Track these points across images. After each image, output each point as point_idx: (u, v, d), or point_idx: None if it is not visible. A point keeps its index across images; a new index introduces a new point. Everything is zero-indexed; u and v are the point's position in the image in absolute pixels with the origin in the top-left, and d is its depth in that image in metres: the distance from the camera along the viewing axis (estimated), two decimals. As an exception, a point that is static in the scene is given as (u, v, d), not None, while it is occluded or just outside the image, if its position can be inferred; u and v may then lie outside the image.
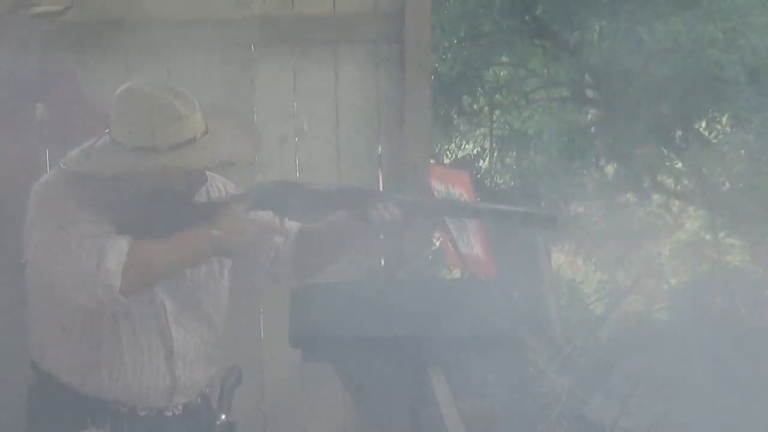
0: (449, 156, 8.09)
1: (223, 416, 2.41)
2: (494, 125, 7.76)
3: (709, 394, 5.69)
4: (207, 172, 2.44)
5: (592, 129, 7.24)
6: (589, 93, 7.26)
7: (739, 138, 6.79)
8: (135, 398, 2.32)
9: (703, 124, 7.12)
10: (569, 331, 7.25)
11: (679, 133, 6.91)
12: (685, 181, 7.70)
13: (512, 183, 7.90)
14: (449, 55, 6.95)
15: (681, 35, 5.68)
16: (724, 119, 6.96)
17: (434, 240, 6.22)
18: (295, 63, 4.19)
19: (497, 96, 7.62)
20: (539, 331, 6.68)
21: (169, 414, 2.37)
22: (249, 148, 2.47)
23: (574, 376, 6.34)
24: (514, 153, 7.87)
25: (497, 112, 7.79)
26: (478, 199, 4.64)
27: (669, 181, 7.83)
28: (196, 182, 2.35)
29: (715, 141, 7.05)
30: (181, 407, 2.39)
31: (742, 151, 6.86)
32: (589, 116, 7.67)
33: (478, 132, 8.04)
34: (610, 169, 7.65)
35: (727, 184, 7.11)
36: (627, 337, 7.20)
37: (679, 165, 7.40)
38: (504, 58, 7.24)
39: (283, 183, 2.47)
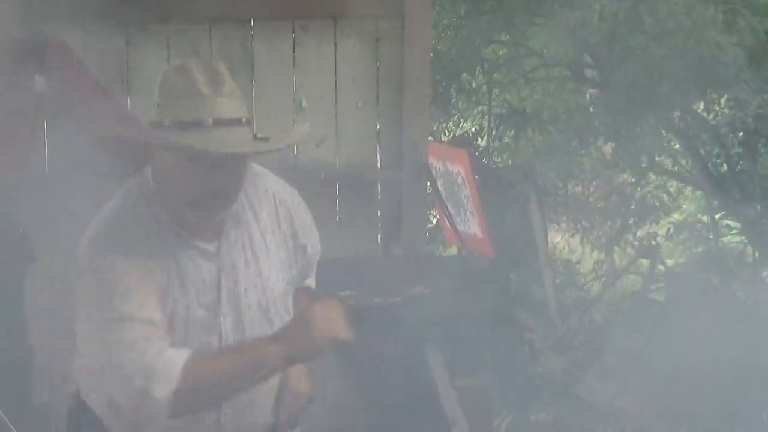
0: (447, 134, 8.13)
1: None
2: (493, 103, 7.80)
3: (704, 375, 5.60)
4: (260, 173, 2.21)
5: (591, 108, 7.30)
6: (589, 72, 7.27)
7: (737, 119, 6.84)
8: None
9: (702, 105, 7.15)
10: (565, 310, 7.19)
11: (677, 113, 6.93)
12: (683, 162, 7.77)
13: (510, 162, 7.98)
14: (449, 33, 6.95)
15: (681, 16, 5.67)
16: (723, 101, 6.98)
17: (431, 217, 6.20)
18: (296, 38, 4.17)
19: (496, 74, 7.64)
20: (535, 310, 6.85)
21: None
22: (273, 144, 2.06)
23: (570, 356, 6.37)
24: (512, 132, 7.85)
25: (496, 91, 7.82)
26: (476, 177, 4.65)
27: (667, 162, 7.89)
28: (220, 176, 1.98)
29: (713, 122, 7.09)
30: None
31: (741, 133, 6.92)
32: (588, 96, 7.70)
33: (476, 110, 8.11)
34: (608, 148, 7.66)
35: (725, 166, 7.16)
36: (623, 317, 7.16)
37: (677, 146, 7.45)
38: (504, 37, 7.25)
39: None
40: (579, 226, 8.53)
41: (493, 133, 7.96)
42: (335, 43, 4.18)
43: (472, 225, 4.43)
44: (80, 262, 1.99)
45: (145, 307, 1.91)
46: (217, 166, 1.93)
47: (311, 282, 2.47)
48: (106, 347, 1.88)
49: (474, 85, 7.67)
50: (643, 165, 7.68)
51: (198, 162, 1.91)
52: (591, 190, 8.33)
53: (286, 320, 2.15)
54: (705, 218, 8.25)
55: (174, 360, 1.86)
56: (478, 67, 7.22)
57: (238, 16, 4.06)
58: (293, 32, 4.20)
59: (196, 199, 1.98)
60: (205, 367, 1.90)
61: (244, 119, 1.97)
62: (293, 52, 4.29)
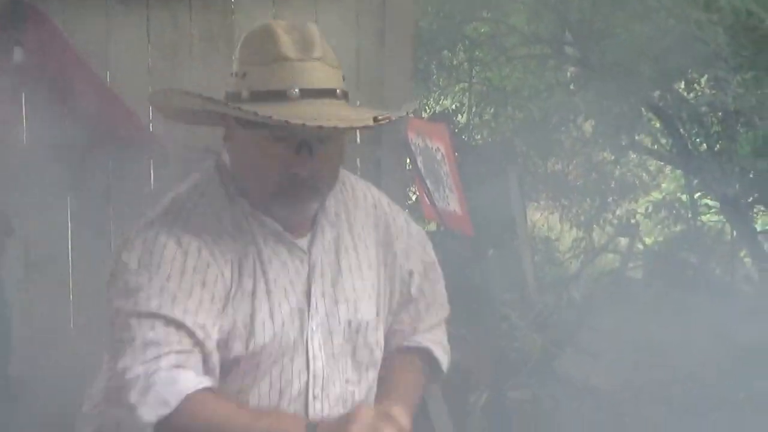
0: (428, 110, 8.16)
1: None
2: (474, 81, 7.86)
3: (681, 353, 5.75)
4: (356, 178, 1.94)
5: (571, 86, 7.31)
6: (569, 50, 7.31)
7: (717, 99, 6.75)
8: None
9: (682, 84, 7.17)
10: (543, 288, 7.38)
11: (657, 92, 6.94)
12: (663, 141, 7.81)
13: (490, 139, 7.99)
14: (431, 10, 6.96)
15: (662, -6, 5.66)
16: (703, 80, 6.99)
17: (410, 194, 6.26)
18: (276, 12, 4.12)
19: (477, 52, 7.69)
20: (513, 287, 6.88)
21: None
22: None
23: (547, 333, 6.49)
24: (493, 109, 7.95)
25: (477, 68, 7.89)
26: (456, 154, 4.68)
27: (646, 141, 7.94)
28: (307, 159, 1.66)
29: (693, 102, 7.11)
30: None
31: (720, 113, 6.90)
32: (569, 74, 7.73)
33: (457, 87, 8.12)
34: (588, 126, 7.71)
35: (704, 145, 7.18)
36: (601, 295, 7.29)
37: (657, 125, 7.48)
38: (485, 14, 7.27)
39: None
40: (558, 204, 8.56)
41: (474, 110, 8.02)
42: (316, 18, 4.09)
43: (451, 202, 4.42)
44: (129, 241, 1.69)
45: (183, 306, 1.62)
46: (305, 146, 1.62)
47: (429, 341, 1.97)
48: (117, 343, 1.61)
49: (455, 62, 7.68)
50: (623, 143, 7.68)
51: (280, 141, 1.63)
52: (570, 168, 8.31)
53: (369, 358, 1.85)
54: (684, 197, 8.23)
55: (181, 384, 1.57)
56: (460, 44, 7.25)
57: (219, -10, 4.11)
58: (273, 5, 4.17)
59: (281, 186, 1.68)
60: (209, 409, 1.59)
61: (338, 91, 1.66)
62: (274, 25, 4.27)
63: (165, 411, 1.52)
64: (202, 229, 1.66)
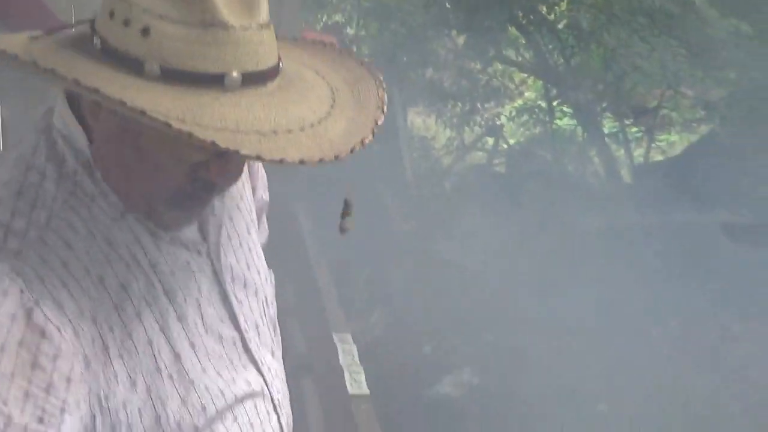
0: (320, 23, 8.40)
1: None
2: (362, -1, 8.20)
3: (539, 236, 6.42)
4: None
5: (447, 4, 7.63)
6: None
7: (573, 18, 7.19)
8: None
9: (545, 9, 7.55)
10: (420, 180, 7.94)
11: (521, 12, 7.40)
12: (526, 54, 8.28)
13: (375, 50, 8.34)
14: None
15: None
16: (564, 3, 7.36)
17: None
18: None
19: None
20: (394, 179, 7.41)
21: None
22: (341, 130, 1.08)
23: (422, 219, 7.05)
24: (378, 23, 8.27)
25: (364, -15, 8.18)
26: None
27: (512, 53, 8.36)
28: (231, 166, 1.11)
29: (552, 19, 7.53)
30: None
31: (576, 31, 7.29)
32: (445, -8, 8.08)
33: (347, 4, 8.47)
34: (461, 40, 8.03)
35: (561, 59, 7.71)
36: (469, 187, 7.96)
37: (522, 40, 7.92)
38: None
39: None
40: (434, 108, 8.93)
41: (361, 23, 8.34)
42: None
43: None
44: None
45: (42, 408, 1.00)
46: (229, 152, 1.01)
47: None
48: None
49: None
50: (491, 55, 8.06)
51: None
52: (445, 76, 8.65)
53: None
54: (543, 104, 8.70)
55: None
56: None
57: None
58: None
59: (185, 192, 1.13)
60: None
61: (280, 64, 1.06)
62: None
63: None
64: (49, 257, 1.04)
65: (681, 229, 6.59)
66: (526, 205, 7.13)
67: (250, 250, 1.31)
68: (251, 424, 1.21)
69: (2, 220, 1.05)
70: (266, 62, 1.01)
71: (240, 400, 1.19)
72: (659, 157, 8.66)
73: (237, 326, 1.22)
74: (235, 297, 1.24)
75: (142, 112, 0.92)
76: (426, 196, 7.65)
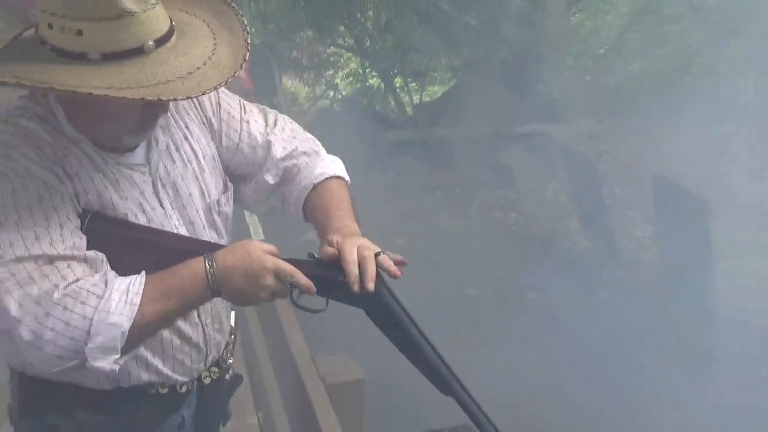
0: None
1: (230, 361, 1.68)
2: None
3: (356, 180, 7.24)
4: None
5: (302, 12, 8.91)
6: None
7: (377, 18, 8.98)
8: (174, 375, 1.52)
9: (360, 15, 9.06)
10: (291, 117, 9.34)
11: (347, 17, 8.85)
12: (350, 42, 9.29)
13: (263, 39, 9.53)
14: None
15: None
16: (371, 12, 9.04)
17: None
18: None
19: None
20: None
21: (207, 381, 1.61)
22: (226, 62, 1.29)
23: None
24: (260, 24, 9.21)
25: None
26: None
27: (341, 41, 9.41)
28: (152, 108, 1.33)
29: (364, 20, 9.03)
30: (216, 370, 1.62)
31: (378, 26, 9.01)
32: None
33: (241, 9, 9.48)
34: (311, 33, 9.14)
35: (369, 44, 9.25)
36: (320, 121, 9.33)
37: (347, 33, 9.38)
38: None
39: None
40: (297, 75, 10.40)
41: (251, 23, 9.05)
42: None
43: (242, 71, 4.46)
44: None
45: (49, 239, 1.26)
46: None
47: (327, 168, 1.61)
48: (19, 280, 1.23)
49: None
50: (329, 42, 9.39)
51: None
52: (303, 55, 10.11)
53: (225, 225, 1.57)
54: (360, 71, 10.53)
55: (114, 315, 1.25)
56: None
57: None
58: None
59: (137, 125, 1.36)
60: (145, 307, 1.28)
61: (172, 23, 1.27)
62: None
63: (120, 343, 1.24)
64: (28, 160, 1.28)
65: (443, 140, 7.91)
66: (354, 131, 8.41)
67: (197, 157, 1.48)
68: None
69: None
70: (164, 27, 1.22)
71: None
72: (428, 99, 10.08)
73: (170, 223, 1.42)
74: (171, 201, 1.44)
75: (91, 93, 1.14)
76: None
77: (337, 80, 10.26)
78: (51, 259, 1.24)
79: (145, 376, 1.47)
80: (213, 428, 1.70)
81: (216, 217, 1.53)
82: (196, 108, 1.52)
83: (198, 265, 1.30)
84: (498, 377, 4.34)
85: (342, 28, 8.92)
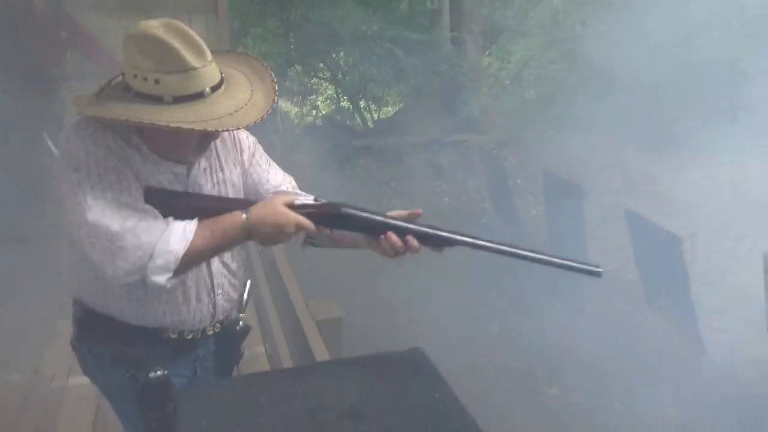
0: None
1: (241, 319, 1.63)
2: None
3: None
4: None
5: (291, 47, 8.05)
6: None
7: (346, 57, 8.41)
8: (183, 326, 1.50)
9: (334, 55, 8.38)
10: (285, 130, 8.56)
11: (324, 57, 8.34)
12: (327, 74, 8.83)
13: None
14: None
15: None
16: (342, 53, 8.32)
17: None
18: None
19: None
20: (274, 130, 8.05)
21: (210, 332, 1.57)
22: (261, 104, 1.32)
23: (284, 149, 7.40)
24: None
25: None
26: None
27: (321, 74, 8.89)
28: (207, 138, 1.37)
29: (337, 59, 8.47)
30: (219, 325, 1.58)
31: (346, 66, 8.47)
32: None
33: (245, 49, 7.57)
34: (299, 68, 8.62)
35: (341, 77, 8.64)
36: (305, 135, 8.40)
37: (326, 68, 8.67)
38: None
39: (348, 209, 1.36)
40: (289, 98, 9.20)
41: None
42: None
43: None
44: (73, 149, 1.29)
45: (128, 192, 1.31)
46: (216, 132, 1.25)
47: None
48: (105, 222, 1.25)
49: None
50: (311, 74, 8.99)
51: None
52: (294, 85, 9.33)
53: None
54: (335, 95, 9.68)
55: (176, 234, 1.29)
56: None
57: None
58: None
59: (192, 151, 1.41)
60: (200, 238, 1.30)
61: (222, 75, 1.31)
62: None
63: (174, 266, 1.29)
64: (108, 143, 1.31)
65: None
66: (331, 139, 7.83)
67: (225, 181, 1.47)
68: None
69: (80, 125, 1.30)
70: (217, 78, 1.26)
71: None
72: (384, 116, 9.60)
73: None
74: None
75: (168, 125, 1.18)
76: (287, 140, 7.98)
77: (319, 102, 9.96)
78: (128, 204, 1.29)
79: (162, 322, 1.49)
80: (230, 364, 1.70)
81: None
82: (236, 150, 1.55)
83: (237, 216, 1.35)
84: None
85: (322, 64, 8.82)
